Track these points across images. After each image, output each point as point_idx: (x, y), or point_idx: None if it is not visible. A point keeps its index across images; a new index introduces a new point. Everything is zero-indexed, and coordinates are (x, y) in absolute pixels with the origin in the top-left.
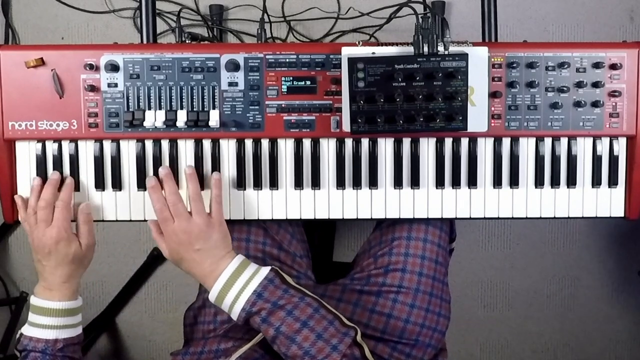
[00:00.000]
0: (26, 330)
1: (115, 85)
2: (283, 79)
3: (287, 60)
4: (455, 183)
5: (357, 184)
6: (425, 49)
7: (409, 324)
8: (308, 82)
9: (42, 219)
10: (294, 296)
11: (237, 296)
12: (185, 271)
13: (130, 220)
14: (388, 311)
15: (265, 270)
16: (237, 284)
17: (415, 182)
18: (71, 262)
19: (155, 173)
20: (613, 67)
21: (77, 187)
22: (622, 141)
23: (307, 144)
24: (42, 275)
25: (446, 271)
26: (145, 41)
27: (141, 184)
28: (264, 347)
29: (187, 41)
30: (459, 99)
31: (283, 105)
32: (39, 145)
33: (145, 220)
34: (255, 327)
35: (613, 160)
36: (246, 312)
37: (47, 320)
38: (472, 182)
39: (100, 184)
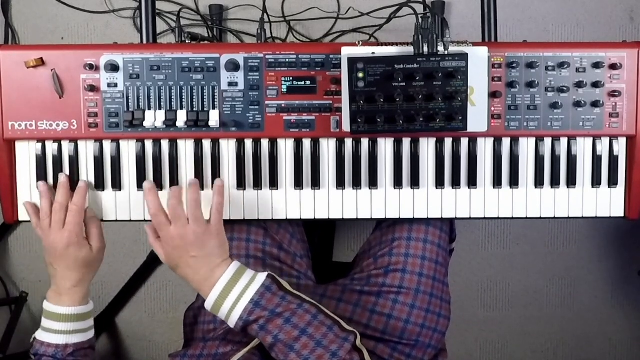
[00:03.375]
0: (39, 335)
1: (115, 85)
2: (283, 79)
3: (287, 60)
4: (455, 183)
5: (357, 184)
6: (425, 49)
7: (409, 325)
8: (308, 82)
9: (56, 221)
10: (291, 303)
11: (234, 305)
12: (181, 277)
13: (130, 220)
14: (388, 312)
15: (262, 277)
16: (233, 293)
17: (415, 182)
18: (82, 266)
19: (156, 173)
20: (613, 67)
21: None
22: (622, 141)
23: (307, 144)
24: (53, 279)
25: (446, 272)
26: (145, 41)
27: (141, 184)
28: (262, 351)
29: (187, 41)
30: (459, 99)
31: (283, 105)
32: (39, 145)
33: (145, 221)
34: (253, 334)
35: (613, 160)
36: (243, 320)
37: (57, 326)
38: (472, 182)
39: (100, 184)
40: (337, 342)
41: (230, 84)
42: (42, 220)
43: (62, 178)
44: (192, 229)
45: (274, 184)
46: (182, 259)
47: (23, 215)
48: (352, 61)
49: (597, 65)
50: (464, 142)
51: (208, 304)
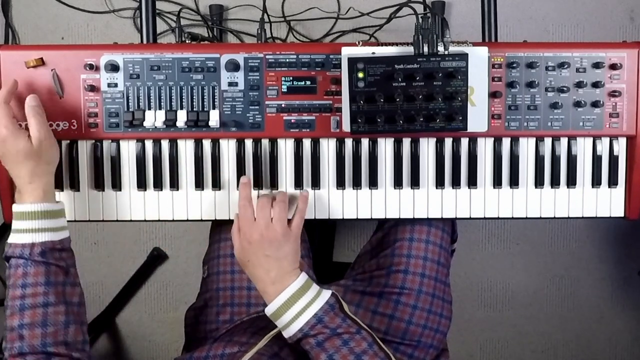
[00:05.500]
0: (9, 239)
1: (115, 85)
2: (283, 79)
3: (287, 60)
4: (455, 183)
5: (357, 184)
6: (425, 49)
7: (412, 325)
8: (308, 82)
9: None
10: (351, 327)
11: (297, 315)
12: (249, 275)
13: (130, 220)
14: (390, 312)
15: (327, 294)
16: (299, 303)
17: (415, 182)
18: (25, 158)
19: (156, 173)
20: (613, 67)
21: (76, 187)
22: (622, 141)
23: (307, 144)
24: (11, 176)
25: (448, 272)
26: (145, 41)
27: (141, 184)
28: (270, 352)
29: (187, 41)
30: (459, 99)
31: (283, 105)
32: None
33: (145, 221)
34: (306, 348)
35: (613, 160)
36: (303, 333)
37: (21, 224)
38: (472, 182)
39: (100, 184)
40: None
41: (230, 84)
42: None
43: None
44: (274, 228)
45: (274, 184)
46: (256, 255)
47: None
48: (352, 61)
49: (597, 65)
50: (464, 142)
51: (270, 309)
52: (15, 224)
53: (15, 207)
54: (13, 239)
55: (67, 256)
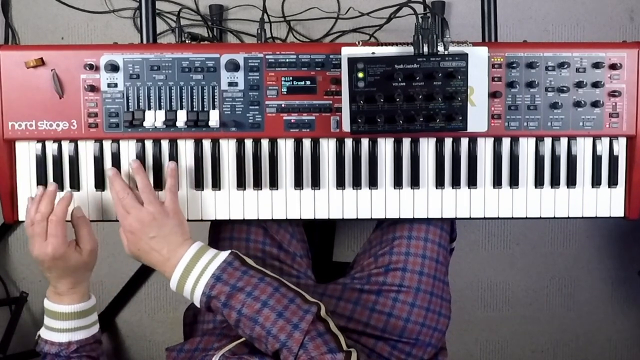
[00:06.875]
0: (43, 333)
1: (115, 85)
2: (283, 79)
3: (287, 60)
4: (455, 183)
5: (357, 184)
6: (425, 49)
7: (410, 323)
8: (308, 82)
9: (38, 233)
10: (253, 277)
11: (197, 281)
12: (146, 263)
13: None
14: (388, 310)
15: (224, 254)
16: (195, 269)
17: (415, 182)
18: (74, 271)
19: (155, 173)
20: (613, 67)
21: (77, 187)
22: (622, 141)
23: (307, 144)
24: (50, 281)
25: (447, 270)
26: (145, 41)
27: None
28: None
29: (187, 41)
30: (459, 99)
31: (283, 105)
32: (39, 145)
33: None
34: (218, 313)
35: (613, 160)
36: (206, 296)
37: (59, 324)
38: (472, 182)
39: (100, 184)
40: (298, 314)
41: (230, 84)
42: (27, 227)
43: (51, 187)
44: (147, 210)
45: (274, 184)
46: (143, 241)
47: (23, 215)
48: (352, 61)
49: (597, 65)
50: (464, 142)
51: (173, 283)
52: (51, 322)
53: (52, 306)
54: (49, 336)
55: (97, 346)
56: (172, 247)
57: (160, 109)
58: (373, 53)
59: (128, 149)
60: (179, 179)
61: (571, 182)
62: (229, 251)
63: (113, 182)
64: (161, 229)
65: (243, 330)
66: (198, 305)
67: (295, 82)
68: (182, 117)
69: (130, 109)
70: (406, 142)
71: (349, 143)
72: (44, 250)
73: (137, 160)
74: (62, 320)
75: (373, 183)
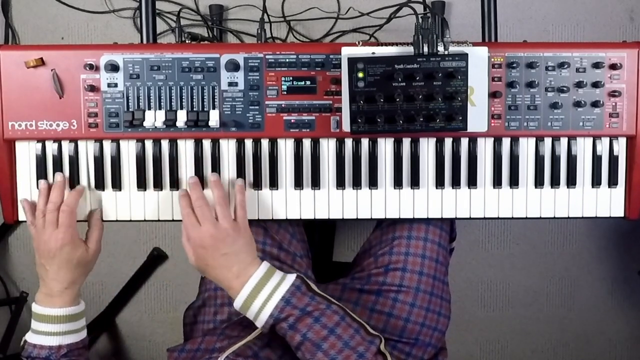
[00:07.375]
0: (30, 337)
1: (115, 85)
2: (283, 79)
3: (287, 60)
4: (455, 183)
5: (357, 184)
6: (425, 49)
7: (409, 323)
8: (308, 82)
9: (50, 221)
10: (320, 303)
11: (265, 303)
12: (211, 278)
13: (130, 221)
14: (388, 310)
15: (291, 277)
16: (264, 291)
17: (415, 182)
18: (75, 266)
19: (156, 173)
20: (613, 67)
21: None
22: (622, 141)
23: (307, 144)
24: (43, 280)
25: (446, 270)
26: (145, 41)
27: (141, 184)
28: (258, 345)
29: (187, 41)
30: (459, 99)
31: (283, 105)
32: (39, 145)
33: (145, 221)
34: (281, 333)
35: (613, 160)
36: (274, 318)
37: (49, 328)
38: (472, 182)
39: (100, 184)
40: (363, 344)
41: (230, 84)
42: (37, 219)
43: (59, 177)
44: (223, 227)
45: (274, 184)
46: (213, 257)
47: (23, 215)
48: (352, 61)
49: (597, 65)
50: (464, 142)
51: (238, 302)
52: (40, 326)
53: (42, 310)
54: (37, 340)
55: (84, 352)
56: (242, 266)
57: (160, 109)
58: (373, 53)
59: (128, 149)
60: (179, 179)
61: (571, 182)
62: (296, 274)
63: (192, 189)
64: (233, 247)
65: (303, 353)
66: (261, 326)
67: (295, 82)
68: (182, 117)
69: (130, 109)
70: (406, 142)
71: (349, 143)
72: (56, 236)
73: (216, 174)
74: (53, 324)
75: (373, 183)
